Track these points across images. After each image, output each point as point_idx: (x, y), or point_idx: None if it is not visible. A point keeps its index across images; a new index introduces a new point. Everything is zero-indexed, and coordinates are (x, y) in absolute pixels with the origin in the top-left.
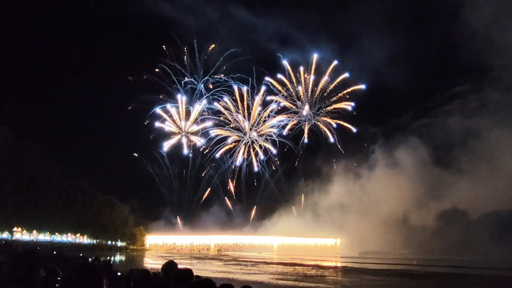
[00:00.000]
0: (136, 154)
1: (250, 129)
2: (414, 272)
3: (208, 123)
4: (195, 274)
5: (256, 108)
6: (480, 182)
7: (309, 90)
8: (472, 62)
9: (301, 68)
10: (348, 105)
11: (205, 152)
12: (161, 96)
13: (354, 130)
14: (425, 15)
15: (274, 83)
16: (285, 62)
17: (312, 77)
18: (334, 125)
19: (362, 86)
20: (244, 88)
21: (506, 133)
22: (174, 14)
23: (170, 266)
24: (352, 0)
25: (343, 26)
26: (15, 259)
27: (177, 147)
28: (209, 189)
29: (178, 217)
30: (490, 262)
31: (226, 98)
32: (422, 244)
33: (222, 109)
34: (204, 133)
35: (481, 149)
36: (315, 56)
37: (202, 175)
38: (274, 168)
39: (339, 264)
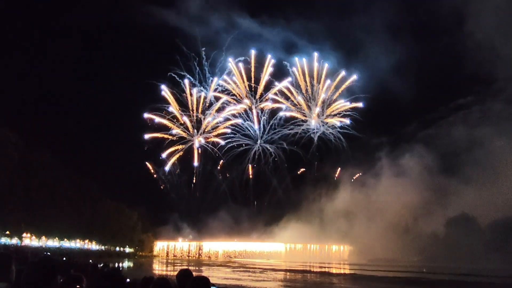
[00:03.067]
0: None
1: (261, 137)
2: (424, 280)
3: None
4: None
5: (264, 116)
6: (485, 190)
7: (317, 99)
8: (476, 74)
9: (308, 78)
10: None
11: (216, 155)
12: (170, 108)
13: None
14: (430, 26)
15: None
16: (291, 71)
17: (318, 86)
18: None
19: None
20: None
21: (509, 143)
22: (180, 24)
23: (185, 274)
24: (357, 10)
25: (348, 36)
26: (32, 267)
27: (187, 153)
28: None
29: (185, 223)
30: (501, 270)
31: (233, 106)
32: (431, 251)
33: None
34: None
35: (484, 158)
36: (325, 66)
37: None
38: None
39: (347, 271)
